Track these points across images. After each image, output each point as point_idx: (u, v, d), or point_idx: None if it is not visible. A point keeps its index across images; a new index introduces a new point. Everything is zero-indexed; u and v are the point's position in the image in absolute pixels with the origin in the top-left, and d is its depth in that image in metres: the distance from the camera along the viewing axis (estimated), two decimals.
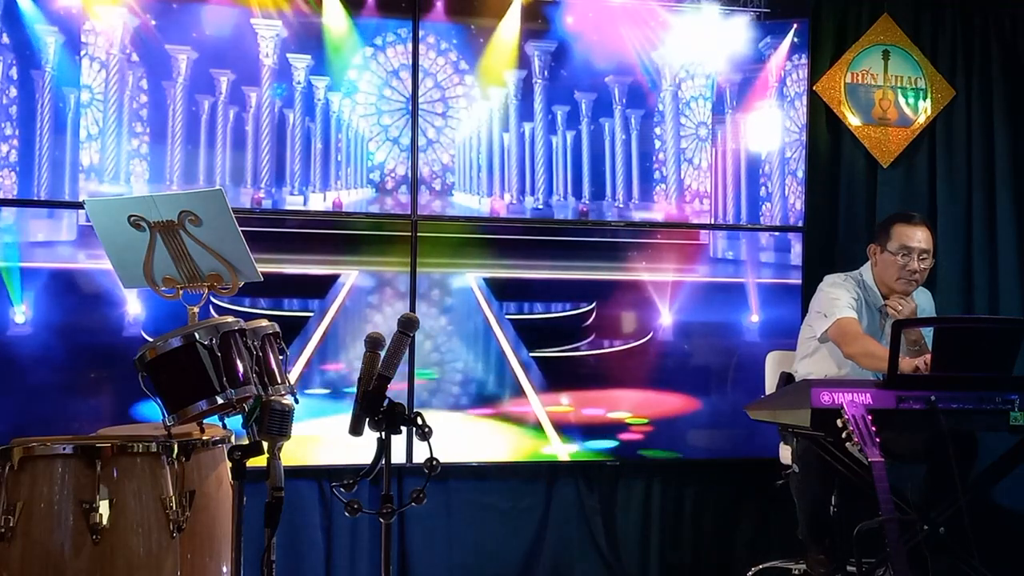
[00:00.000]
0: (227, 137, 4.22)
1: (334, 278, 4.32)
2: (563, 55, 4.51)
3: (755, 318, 4.64)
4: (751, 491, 4.58)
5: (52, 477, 2.63)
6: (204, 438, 2.82)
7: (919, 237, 3.94)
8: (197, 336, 2.52)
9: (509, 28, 4.47)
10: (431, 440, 2.48)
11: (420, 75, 4.38)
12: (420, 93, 4.39)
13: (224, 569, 2.81)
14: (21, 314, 4.00)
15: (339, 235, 4.32)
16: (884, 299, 3.98)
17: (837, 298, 3.91)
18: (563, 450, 4.44)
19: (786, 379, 4.00)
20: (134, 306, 4.08)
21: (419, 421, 2.52)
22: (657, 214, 4.61)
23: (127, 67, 4.13)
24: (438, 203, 4.41)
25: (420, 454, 4.10)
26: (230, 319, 2.63)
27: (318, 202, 4.29)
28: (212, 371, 2.51)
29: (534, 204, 4.51)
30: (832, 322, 3.86)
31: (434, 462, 2.51)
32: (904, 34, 4.86)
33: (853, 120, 4.82)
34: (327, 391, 4.26)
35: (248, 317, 2.81)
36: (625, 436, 4.51)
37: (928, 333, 3.75)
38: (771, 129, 4.70)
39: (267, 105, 4.25)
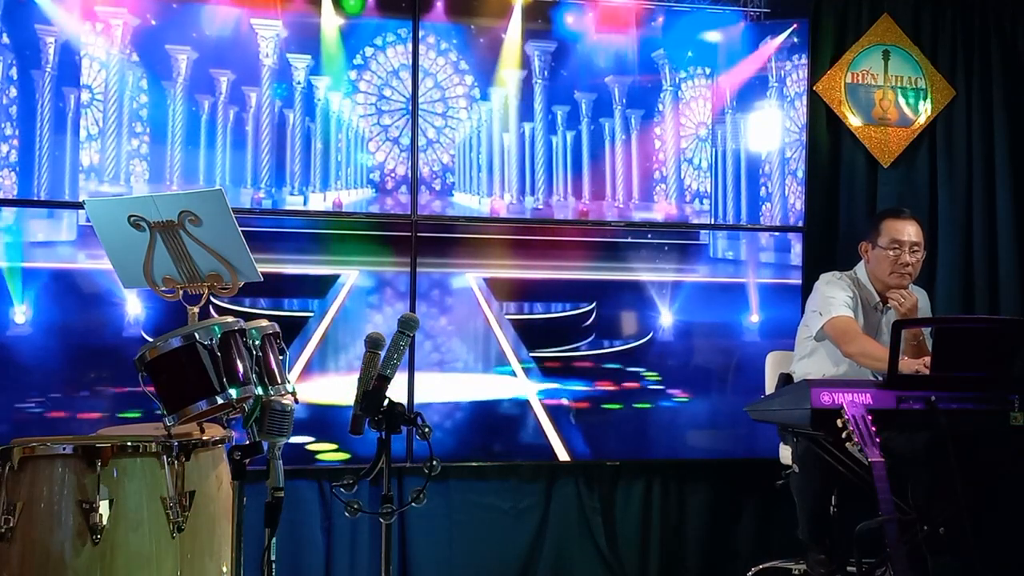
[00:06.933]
0: (227, 137, 4.22)
1: (334, 278, 4.32)
2: (563, 55, 4.51)
3: (755, 318, 4.64)
4: (751, 491, 4.58)
5: (52, 477, 2.63)
6: (204, 438, 2.82)
7: (909, 231, 3.94)
8: (197, 336, 2.52)
9: (509, 28, 4.47)
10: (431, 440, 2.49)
11: (420, 75, 4.38)
12: (420, 93, 4.39)
13: (224, 569, 2.80)
14: (21, 314, 4.00)
15: (339, 235, 4.32)
16: (879, 296, 3.98)
17: (833, 296, 3.91)
18: (563, 451, 4.44)
19: (785, 379, 3.99)
20: (134, 306, 4.08)
21: (419, 421, 2.52)
22: (657, 214, 4.61)
23: (127, 67, 4.13)
24: (438, 203, 4.41)
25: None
26: (230, 319, 2.63)
27: (318, 202, 4.29)
28: (212, 371, 2.51)
29: (534, 204, 4.51)
30: (828, 320, 3.86)
31: (434, 462, 2.51)
32: (904, 34, 4.86)
33: (853, 120, 4.81)
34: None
35: (248, 317, 2.81)
36: (625, 436, 4.51)
37: (928, 333, 3.75)
38: (771, 129, 4.70)
39: (267, 105, 4.25)
